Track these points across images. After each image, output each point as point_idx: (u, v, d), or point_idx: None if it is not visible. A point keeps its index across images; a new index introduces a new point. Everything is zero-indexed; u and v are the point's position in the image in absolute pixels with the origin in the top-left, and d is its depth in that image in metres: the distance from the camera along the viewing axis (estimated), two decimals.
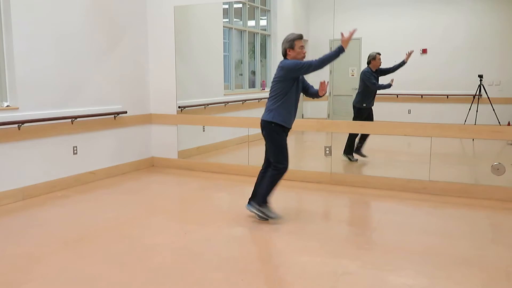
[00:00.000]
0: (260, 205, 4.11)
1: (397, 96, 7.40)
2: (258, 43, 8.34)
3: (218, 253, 3.46)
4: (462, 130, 5.26)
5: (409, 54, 6.20)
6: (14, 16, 4.70)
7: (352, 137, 6.33)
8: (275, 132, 4.01)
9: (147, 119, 6.59)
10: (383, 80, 6.32)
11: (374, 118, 6.30)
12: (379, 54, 6.23)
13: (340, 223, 4.28)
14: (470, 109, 6.79)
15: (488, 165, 5.18)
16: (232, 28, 7.80)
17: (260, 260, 3.45)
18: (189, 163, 6.51)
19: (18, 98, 4.76)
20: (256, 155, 5.72)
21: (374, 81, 6.27)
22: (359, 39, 7.41)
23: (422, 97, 7.48)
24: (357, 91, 6.42)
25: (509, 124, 6.63)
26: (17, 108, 4.74)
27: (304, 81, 4.18)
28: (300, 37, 4.00)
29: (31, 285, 2.93)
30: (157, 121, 6.62)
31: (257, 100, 7.89)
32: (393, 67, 6.27)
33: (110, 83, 5.91)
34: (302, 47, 4.00)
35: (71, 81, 5.36)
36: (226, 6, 7.63)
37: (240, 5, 7.96)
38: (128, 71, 6.21)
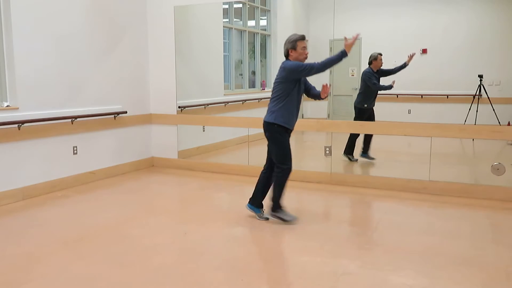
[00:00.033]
0: (275, 211, 4.09)
1: (397, 96, 7.40)
2: (258, 43, 8.34)
3: (218, 253, 3.46)
4: (462, 130, 5.26)
5: (411, 57, 6.17)
6: (14, 16, 4.70)
7: (353, 137, 6.31)
8: (278, 133, 4.00)
9: (147, 119, 6.59)
10: (384, 81, 6.31)
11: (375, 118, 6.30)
12: (381, 54, 6.21)
13: (340, 223, 4.28)
14: (470, 109, 6.79)
15: (488, 165, 5.17)
16: (232, 28, 7.79)
17: (260, 260, 3.45)
18: (189, 163, 6.51)
19: (18, 98, 4.76)
20: (256, 155, 5.72)
21: (375, 81, 6.24)
22: (359, 39, 7.39)
23: (422, 97, 7.48)
24: (358, 92, 6.41)
25: (509, 124, 6.63)
26: (17, 108, 4.74)
27: (306, 82, 4.17)
28: (302, 38, 3.98)
29: (31, 285, 2.93)
30: (157, 121, 6.62)
31: (257, 100, 7.89)
32: (395, 69, 6.25)
33: (110, 83, 5.91)
34: (305, 48, 3.99)
35: (71, 81, 5.36)
36: (226, 6, 7.62)
37: (240, 5, 7.96)
38: (128, 71, 6.21)
